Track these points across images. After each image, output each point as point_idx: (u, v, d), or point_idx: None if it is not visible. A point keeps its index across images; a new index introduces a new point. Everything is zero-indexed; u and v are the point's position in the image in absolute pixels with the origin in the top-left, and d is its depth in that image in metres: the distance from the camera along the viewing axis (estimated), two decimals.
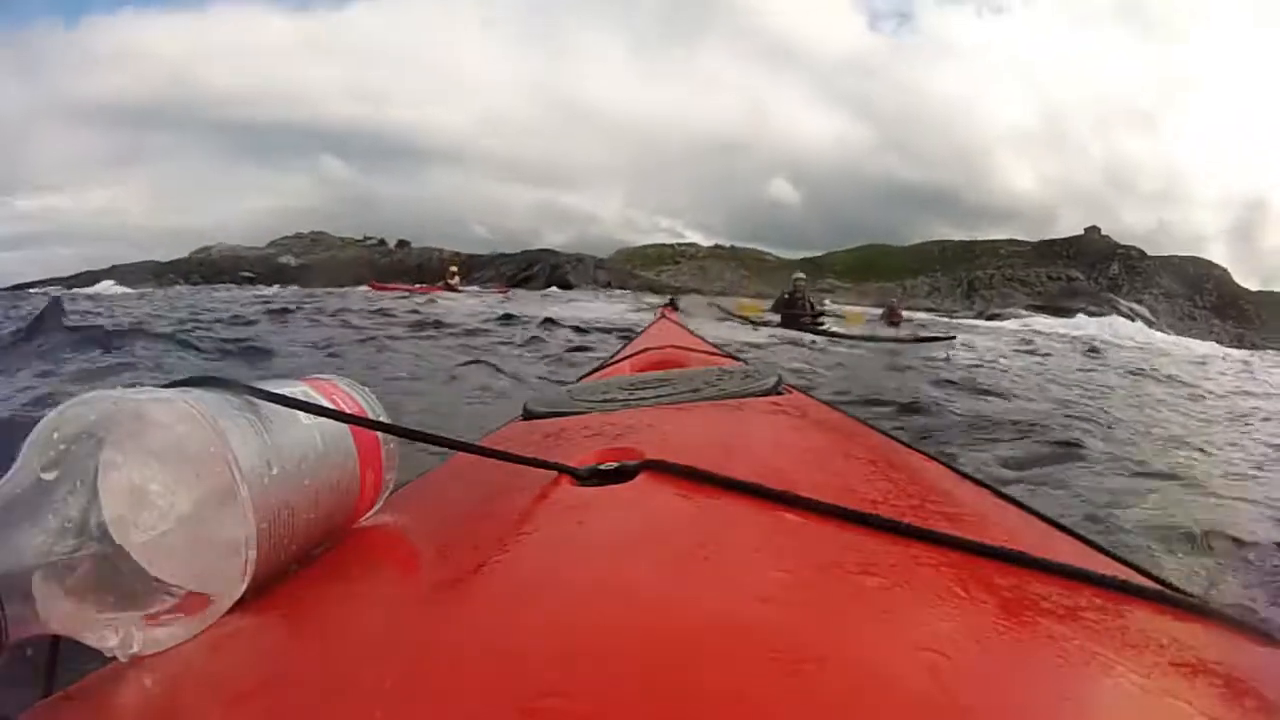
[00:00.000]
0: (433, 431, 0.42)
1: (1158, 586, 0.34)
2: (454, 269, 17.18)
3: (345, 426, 0.41)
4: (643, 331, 2.34)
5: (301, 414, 0.38)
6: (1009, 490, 0.54)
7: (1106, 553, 0.43)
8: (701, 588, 0.29)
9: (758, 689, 0.22)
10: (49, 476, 0.29)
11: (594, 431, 0.59)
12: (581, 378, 1.38)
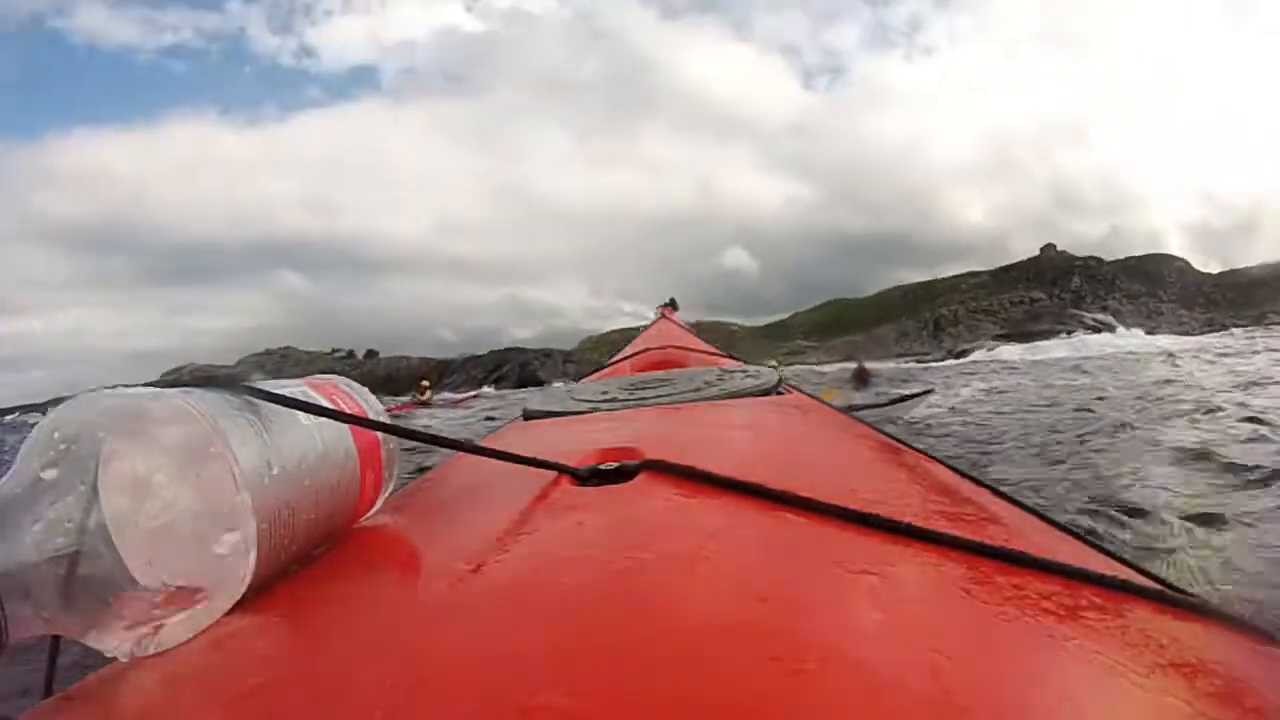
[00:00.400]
0: (433, 432, 0.42)
1: (1158, 586, 0.34)
2: (425, 383, 16.50)
3: (345, 426, 0.41)
4: (643, 331, 2.34)
5: (301, 414, 0.38)
6: (1009, 490, 0.54)
7: (1107, 553, 0.43)
8: (701, 588, 0.29)
9: (758, 689, 0.22)
10: (49, 476, 0.29)
11: (594, 431, 0.59)
12: (581, 378, 1.38)
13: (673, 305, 2.99)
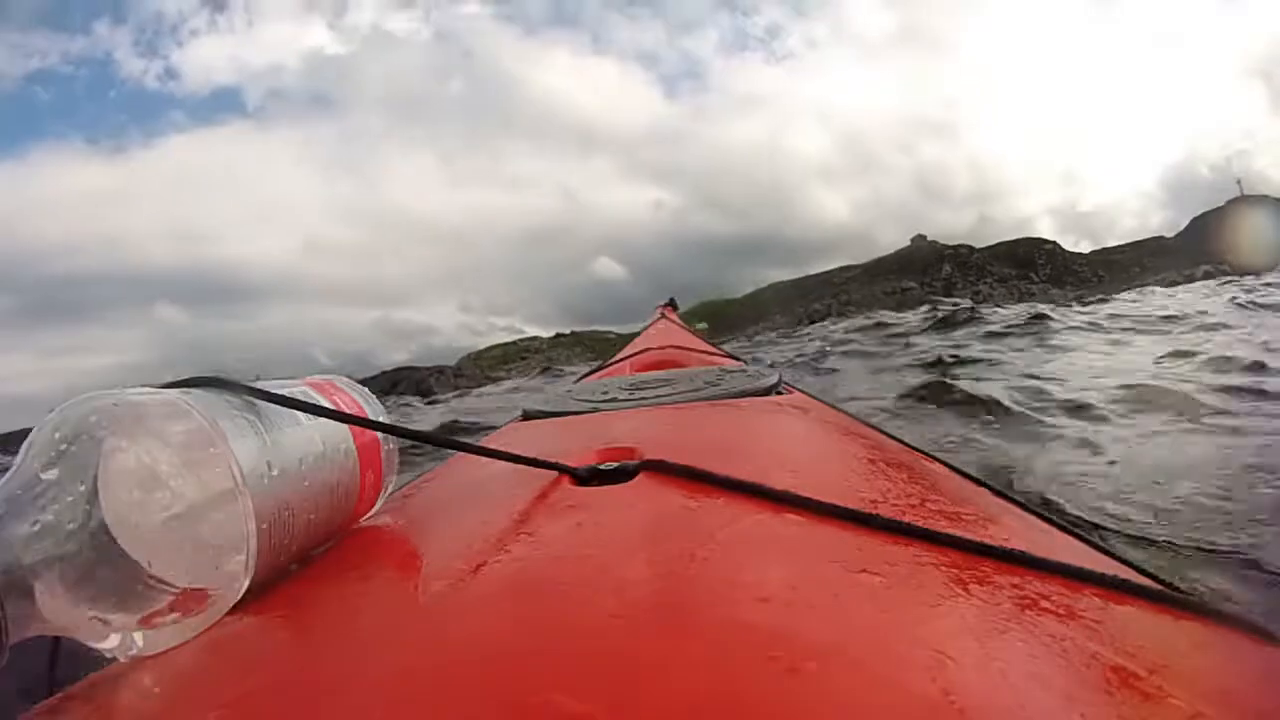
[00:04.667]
0: (433, 432, 0.42)
1: (1158, 586, 0.34)
2: None
3: (345, 427, 0.41)
4: (643, 331, 2.34)
5: (301, 414, 0.38)
6: (1009, 490, 0.54)
7: (1107, 553, 0.43)
8: (701, 588, 0.29)
9: (758, 689, 0.22)
10: (49, 476, 0.29)
11: (594, 431, 0.59)
12: (581, 378, 1.38)
13: (672, 305, 2.99)
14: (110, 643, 0.30)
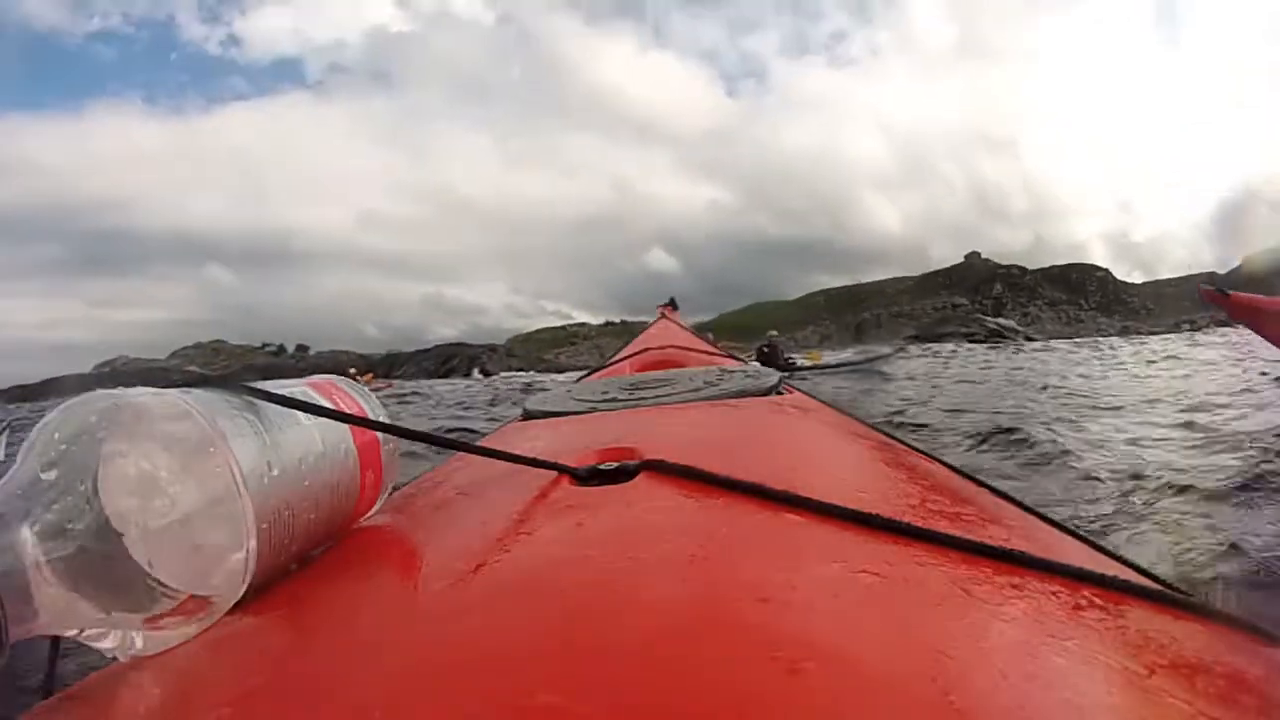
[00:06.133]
0: (433, 432, 0.42)
1: (1158, 586, 0.34)
2: (352, 370, 17.36)
3: (345, 427, 0.41)
4: (643, 331, 2.34)
5: (301, 414, 0.38)
6: (1010, 490, 0.54)
7: (1106, 553, 0.43)
8: (701, 588, 0.29)
9: (758, 689, 0.22)
10: (49, 476, 0.29)
11: (594, 431, 0.59)
12: (581, 378, 1.38)
13: (673, 305, 2.99)
14: (110, 643, 0.30)
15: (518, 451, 0.44)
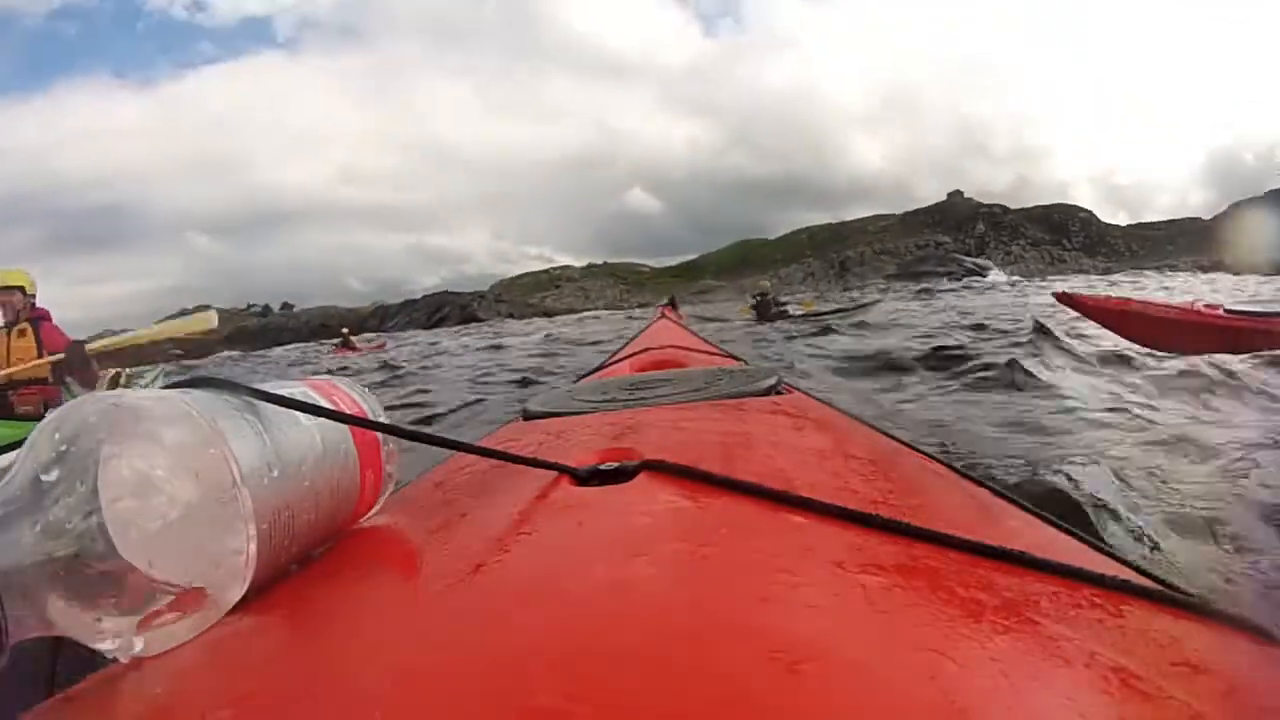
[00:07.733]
0: (433, 432, 0.42)
1: (1158, 586, 0.34)
2: (345, 330, 17.46)
3: (345, 427, 0.41)
4: (643, 331, 2.34)
5: (301, 415, 0.38)
6: (1009, 490, 0.54)
7: (1106, 553, 0.43)
8: (701, 588, 0.29)
9: (758, 689, 0.22)
10: (49, 477, 0.29)
11: (594, 431, 0.59)
12: (581, 377, 1.38)
13: (673, 305, 3.00)
14: (110, 643, 0.30)
15: (517, 452, 0.44)
